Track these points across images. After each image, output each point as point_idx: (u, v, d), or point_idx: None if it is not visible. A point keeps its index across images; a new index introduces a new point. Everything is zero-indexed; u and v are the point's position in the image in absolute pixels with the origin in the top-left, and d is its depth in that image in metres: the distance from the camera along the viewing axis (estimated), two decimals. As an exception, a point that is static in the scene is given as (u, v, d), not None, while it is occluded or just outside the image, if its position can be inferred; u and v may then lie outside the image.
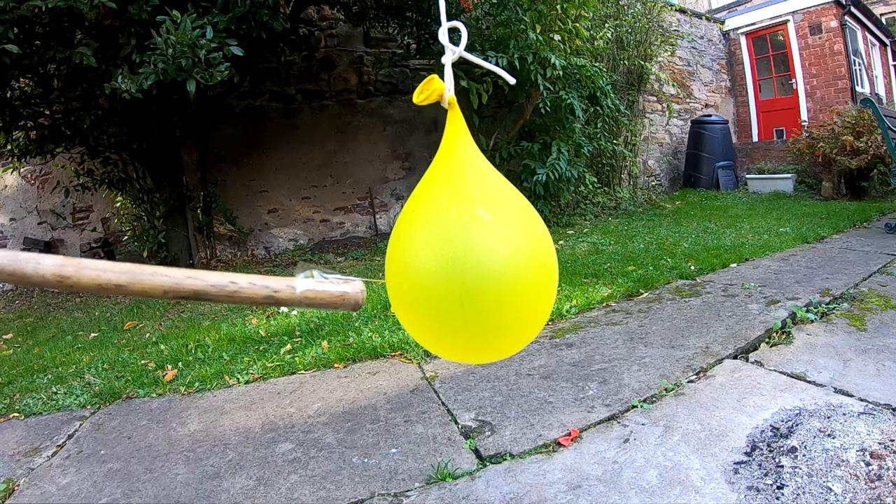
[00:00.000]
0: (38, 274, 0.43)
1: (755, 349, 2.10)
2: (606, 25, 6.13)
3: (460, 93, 4.19)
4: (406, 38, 5.44)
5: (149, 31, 2.97)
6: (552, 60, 4.51)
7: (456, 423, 1.73)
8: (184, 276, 0.48)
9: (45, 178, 5.16)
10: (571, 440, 1.55)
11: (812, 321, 2.30)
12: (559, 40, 4.69)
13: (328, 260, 5.01)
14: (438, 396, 1.92)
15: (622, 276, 3.27)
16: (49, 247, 5.18)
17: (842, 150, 6.00)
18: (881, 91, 9.90)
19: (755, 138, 9.23)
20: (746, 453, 1.41)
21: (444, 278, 0.66)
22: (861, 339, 2.10)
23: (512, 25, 4.60)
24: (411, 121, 6.03)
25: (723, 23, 9.41)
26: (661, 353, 2.12)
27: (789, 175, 7.21)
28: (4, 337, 3.37)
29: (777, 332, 2.20)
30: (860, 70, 8.82)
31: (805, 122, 7.85)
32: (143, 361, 2.51)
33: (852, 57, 8.36)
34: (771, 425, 1.52)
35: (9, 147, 4.28)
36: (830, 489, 1.23)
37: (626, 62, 6.96)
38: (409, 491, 1.40)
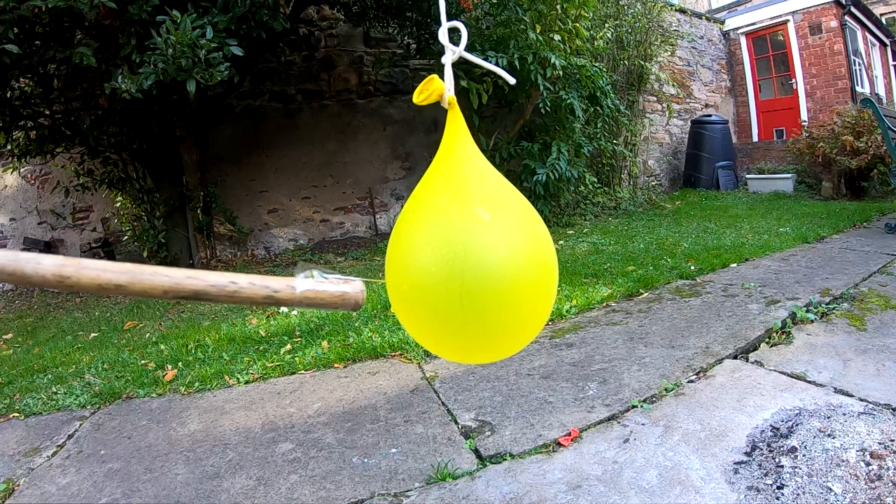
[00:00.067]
0: (38, 274, 0.43)
1: (755, 349, 2.10)
2: (606, 25, 6.13)
3: (460, 93, 4.18)
4: (406, 38, 5.44)
5: (149, 31, 2.97)
6: (552, 60, 4.51)
7: (456, 423, 1.73)
8: (184, 276, 0.48)
9: (45, 178, 5.16)
10: (571, 440, 1.55)
11: (812, 321, 2.30)
12: (559, 40, 4.69)
13: (328, 260, 5.01)
14: (438, 396, 1.92)
15: (622, 276, 3.27)
16: (49, 247, 5.18)
17: (842, 150, 6.00)
18: (881, 91, 9.90)
19: (755, 138, 9.23)
20: (746, 453, 1.41)
21: (444, 278, 0.66)
22: (861, 339, 2.10)
23: (512, 25, 4.60)
24: (411, 121, 6.03)
25: (723, 23, 9.40)
26: (661, 353, 2.12)
27: (789, 175, 7.21)
28: (4, 337, 3.37)
29: (777, 332, 2.20)
30: (860, 70, 8.82)
31: (805, 122, 7.85)
32: (143, 361, 2.51)
33: (852, 57, 8.36)
34: (771, 425, 1.52)
35: (9, 147, 4.29)
36: (830, 489, 1.23)
37: (626, 62, 6.96)
38: (409, 491, 1.40)
